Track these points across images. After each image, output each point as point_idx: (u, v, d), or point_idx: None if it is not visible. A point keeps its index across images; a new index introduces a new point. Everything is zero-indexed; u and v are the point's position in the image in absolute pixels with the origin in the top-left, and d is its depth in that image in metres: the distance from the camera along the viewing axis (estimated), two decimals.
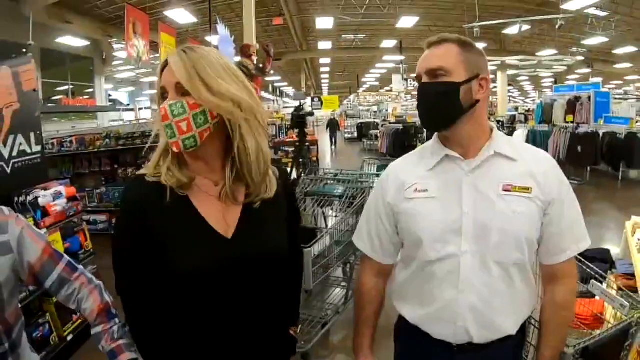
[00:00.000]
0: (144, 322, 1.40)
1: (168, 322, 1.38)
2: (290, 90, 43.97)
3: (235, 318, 1.37)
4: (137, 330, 1.43)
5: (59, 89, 20.40)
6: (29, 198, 4.00)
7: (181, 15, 16.99)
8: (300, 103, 10.13)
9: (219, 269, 1.32)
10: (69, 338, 4.13)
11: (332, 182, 5.19)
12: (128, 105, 26.57)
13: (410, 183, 1.59)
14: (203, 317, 1.36)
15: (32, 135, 4.22)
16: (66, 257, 1.57)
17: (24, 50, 16.01)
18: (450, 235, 1.52)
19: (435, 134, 1.62)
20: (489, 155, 1.51)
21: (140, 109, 22.03)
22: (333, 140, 24.05)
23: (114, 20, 18.74)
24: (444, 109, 1.49)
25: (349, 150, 23.10)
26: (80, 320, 4.30)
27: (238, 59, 8.99)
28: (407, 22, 20.32)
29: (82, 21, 17.25)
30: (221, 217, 1.36)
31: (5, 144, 3.93)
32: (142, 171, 1.43)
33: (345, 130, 29.18)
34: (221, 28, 8.43)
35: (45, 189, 4.18)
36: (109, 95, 24.60)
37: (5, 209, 1.45)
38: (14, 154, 4.03)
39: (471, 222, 1.50)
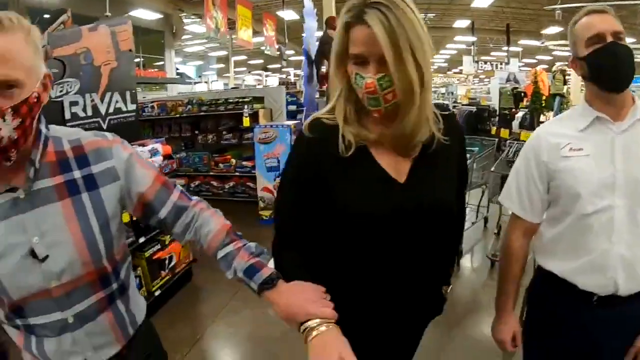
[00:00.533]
0: (296, 258, 1.40)
1: (324, 261, 1.42)
2: None
3: (397, 265, 1.37)
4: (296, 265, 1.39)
5: None
6: None
7: None
8: None
9: (390, 215, 1.33)
10: (157, 293, 4.24)
11: None
12: (199, 77, 27.15)
13: (565, 143, 1.66)
14: (364, 260, 1.37)
15: (127, 93, 4.32)
16: (178, 185, 1.45)
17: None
18: (605, 190, 1.58)
19: (582, 97, 1.73)
20: (635, 120, 1.59)
21: (213, 81, 22.40)
22: None
23: None
24: (632, 70, 1.57)
25: None
26: (168, 277, 4.44)
27: (319, 34, 9.01)
28: (482, 1, 19.20)
29: None
30: (395, 165, 1.36)
31: (102, 101, 4.03)
32: (317, 114, 1.43)
33: None
34: (307, 1, 8.42)
35: (142, 145, 4.24)
36: (177, 69, 25.04)
37: (109, 134, 1.33)
38: (110, 110, 4.14)
39: (623, 178, 1.57)
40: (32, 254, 1.13)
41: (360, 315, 1.37)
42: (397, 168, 1.36)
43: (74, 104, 3.76)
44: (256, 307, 4.18)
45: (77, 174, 1.21)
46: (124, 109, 4.28)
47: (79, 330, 1.23)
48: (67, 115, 3.69)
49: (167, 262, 4.41)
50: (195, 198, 1.44)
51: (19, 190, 1.12)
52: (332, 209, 1.35)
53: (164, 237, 4.45)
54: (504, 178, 4.75)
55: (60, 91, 3.62)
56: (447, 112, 1.46)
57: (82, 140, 1.25)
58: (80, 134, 1.27)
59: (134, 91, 4.44)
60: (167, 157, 4.49)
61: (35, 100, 1.08)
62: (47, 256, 1.14)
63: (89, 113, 3.90)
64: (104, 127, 4.03)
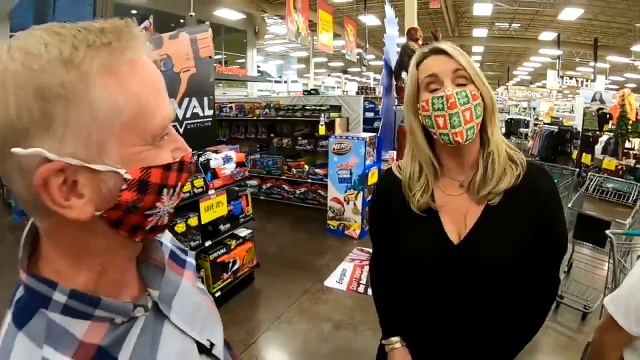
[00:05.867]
0: (386, 284, 1.65)
1: (400, 292, 1.57)
2: None
3: (453, 314, 1.42)
4: (380, 289, 1.69)
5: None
6: (201, 159, 4.18)
7: None
8: None
9: (443, 267, 1.38)
10: (217, 295, 4.35)
11: None
12: (280, 77, 27.64)
13: None
14: (425, 303, 1.48)
15: (205, 99, 4.44)
16: None
17: (181, 21, 17.20)
18: None
19: None
20: None
21: (292, 81, 22.71)
22: None
23: None
24: None
25: None
26: (229, 280, 4.55)
27: (402, 39, 8.98)
28: (569, 14, 18.51)
29: None
30: (460, 218, 1.38)
31: (180, 106, 4.16)
32: (392, 166, 1.55)
33: None
34: (389, 9, 8.41)
35: (216, 152, 4.36)
36: (258, 67, 25.60)
37: None
38: (188, 115, 4.27)
39: None
40: (201, 349, 0.86)
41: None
42: (459, 221, 1.37)
43: None
44: (310, 321, 4.26)
45: (166, 241, 0.97)
46: (201, 114, 4.40)
47: None
48: None
49: (230, 265, 4.52)
50: None
51: (153, 293, 0.80)
52: (397, 252, 1.48)
53: (230, 241, 4.57)
54: (580, 217, 4.51)
55: None
56: (535, 166, 1.42)
57: None
58: None
59: (211, 97, 4.54)
60: (239, 164, 4.59)
61: None
62: (210, 342, 0.89)
63: None
64: (181, 131, 4.16)
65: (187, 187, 3.88)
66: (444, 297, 1.42)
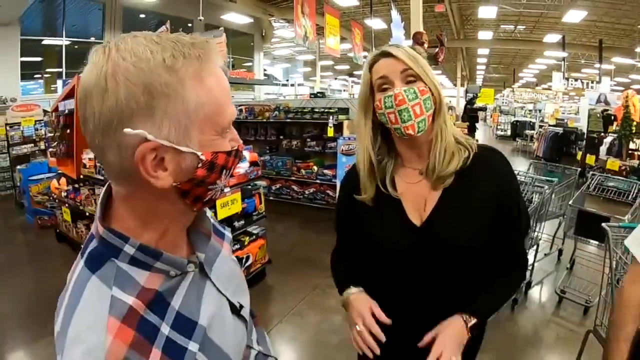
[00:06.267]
0: (344, 258, 1.79)
1: (366, 278, 1.65)
2: (443, 79, 42.78)
3: (419, 293, 1.53)
4: (339, 261, 1.82)
5: None
6: None
7: None
8: (473, 96, 9.92)
9: (408, 251, 1.49)
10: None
11: None
12: (287, 80, 27.76)
13: None
14: (390, 286, 1.58)
15: None
16: None
17: (190, 25, 17.34)
18: None
19: None
20: None
21: (300, 84, 22.78)
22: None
23: (275, 0, 19.61)
24: None
25: (500, 149, 21.41)
26: (259, 266, 4.82)
27: (407, 43, 9.12)
28: (574, 16, 18.48)
29: (245, 0, 18.29)
30: (421, 203, 1.51)
31: None
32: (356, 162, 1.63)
33: (498, 127, 27.07)
34: (395, 13, 8.55)
35: None
36: (264, 70, 25.73)
37: None
38: None
39: None
40: (234, 310, 1.03)
41: (391, 339, 1.48)
42: (420, 206, 1.50)
43: None
44: (320, 314, 4.43)
45: (208, 212, 1.12)
46: None
47: (263, 351, 1.23)
48: None
49: (243, 261, 4.69)
50: None
51: (199, 255, 0.98)
52: (364, 241, 1.60)
53: (243, 237, 4.77)
54: (581, 213, 4.63)
55: None
56: (486, 148, 1.56)
57: None
58: None
59: None
60: (253, 163, 4.77)
61: None
62: (240, 304, 1.07)
63: None
64: None
65: None
66: (410, 280, 1.52)
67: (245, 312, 1.08)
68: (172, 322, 0.83)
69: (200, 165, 0.81)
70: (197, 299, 0.91)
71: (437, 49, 7.46)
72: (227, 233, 1.20)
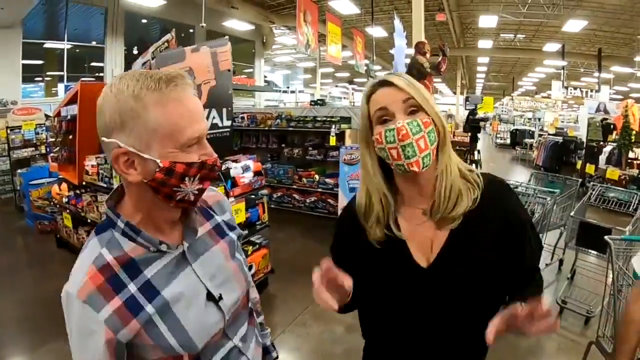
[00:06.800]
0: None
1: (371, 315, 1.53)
2: (443, 87, 42.88)
3: (426, 338, 1.40)
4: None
5: None
6: (222, 168, 4.36)
7: (345, 6, 17.12)
8: (475, 106, 9.95)
9: (414, 295, 1.36)
10: None
11: None
12: (288, 87, 27.85)
13: None
14: (396, 329, 1.44)
15: (224, 110, 4.62)
16: None
17: (191, 31, 17.38)
18: None
19: None
20: None
21: (300, 91, 22.82)
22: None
23: (276, 7, 19.71)
24: None
25: (499, 158, 21.26)
26: (262, 275, 4.81)
27: (409, 51, 9.15)
28: (574, 25, 18.46)
29: (246, 7, 18.37)
30: (427, 244, 1.37)
31: None
32: (349, 203, 1.55)
33: (498, 135, 27.18)
34: (397, 22, 8.59)
35: (235, 161, 4.55)
36: (265, 77, 25.80)
37: (215, 189, 1.54)
38: (208, 126, 4.41)
39: None
40: (209, 297, 1.24)
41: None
42: (427, 247, 1.36)
43: None
44: (324, 324, 4.41)
45: (219, 218, 1.40)
46: (220, 124, 4.59)
47: (248, 351, 1.38)
48: None
49: None
50: None
51: (183, 244, 1.23)
52: (367, 287, 1.41)
53: (247, 247, 4.77)
54: (582, 225, 4.65)
55: None
56: (491, 180, 1.41)
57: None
58: None
59: (230, 108, 4.72)
60: (257, 173, 4.79)
61: None
62: (220, 295, 1.26)
63: None
64: None
65: None
66: (418, 323, 1.39)
67: (224, 304, 1.27)
68: (140, 285, 1.12)
69: (158, 170, 1.07)
70: (170, 276, 1.18)
71: (439, 59, 7.48)
72: (232, 235, 1.42)
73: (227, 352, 1.31)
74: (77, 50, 15.36)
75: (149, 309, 1.11)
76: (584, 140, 12.54)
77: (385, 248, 1.39)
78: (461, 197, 1.33)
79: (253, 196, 4.76)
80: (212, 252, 1.31)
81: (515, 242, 1.36)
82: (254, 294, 1.64)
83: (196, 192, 1.14)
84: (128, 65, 15.34)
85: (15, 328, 4.33)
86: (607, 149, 11.44)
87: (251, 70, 23.35)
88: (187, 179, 1.09)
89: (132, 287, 1.11)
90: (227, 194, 4.27)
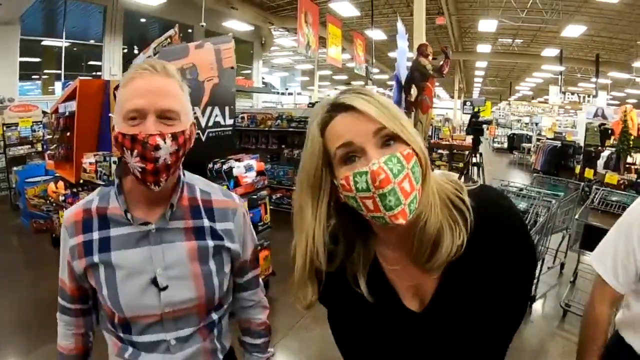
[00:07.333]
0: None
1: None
2: (440, 91, 42.85)
3: None
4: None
5: None
6: (224, 167, 4.31)
7: (345, 8, 17.19)
8: (478, 109, 9.92)
9: (407, 344, 1.15)
10: None
11: (510, 194, 5.22)
12: (287, 89, 27.86)
13: None
14: None
15: (226, 108, 4.56)
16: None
17: (190, 31, 17.36)
18: None
19: None
20: None
21: (298, 93, 22.85)
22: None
23: (275, 9, 19.72)
24: None
25: (496, 162, 21.03)
26: (263, 277, 4.58)
27: (410, 54, 9.13)
28: (572, 30, 18.62)
29: (245, 8, 18.39)
30: (414, 288, 1.12)
31: (203, 114, 4.28)
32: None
33: (495, 140, 27.18)
34: (400, 24, 8.57)
35: (238, 160, 4.48)
36: (262, 78, 25.80)
37: (235, 196, 1.53)
38: (210, 124, 4.39)
39: None
40: (154, 282, 1.30)
41: None
42: (415, 289, 1.13)
43: None
44: (326, 328, 4.27)
45: (206, 222, 1.40)
46: (223, 122, 4.52)
47: (179, 353, 1.37)
48: None
49: None
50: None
51: (150, 225, 1.31)
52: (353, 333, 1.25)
53: None
54: (587, 227, 4.66)
55: None
56: (487, 208, 1.07)
57: (212, 196, 1.45)
58: (212, 189, 1.48)
59: (232, 107, 4.67)
60: (260, 173, 4.72)
61: (188, 137, 1.28)
62: (166, 286, 1.30)
63: None
64: (203, 139, 4.29)
65: None
66: None
67: (167, 296, 1.31)
68: (101, 237, 1.31)
69: (115, 137, 1.21)
70: (127, 244, 1.31)
71: (441, 62, 7.47)
72: (211, 242, 1.39)
73: (156, 340, 1.35)
74: (75, 49, 15.33)
75: (95, 258, 1.30)
76: (582, 144, 12.59)
77: (375, 303, 1.14)
78: (441, 242, 1.01)
79: (255, 196, 4.70)
80: (177, 246, 1.34)
81: (509, 285, 1.09)
82: (259, 315, 1.65)
83: (139, 169, 1.19)
84: (126, 64, 15.30)
85: (9, 330, 4.24)
86: (605, 153, 11.49)
87: (249, 71, 23.34)
88: (125, 150, 1.18)
89: (95, 235, 1.32)
90: None
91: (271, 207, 8.41)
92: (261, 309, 1.66)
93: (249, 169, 4.49)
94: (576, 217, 4.99)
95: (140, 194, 1.31)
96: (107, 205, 1.33)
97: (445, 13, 18.32)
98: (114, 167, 4.78)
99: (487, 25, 18.88)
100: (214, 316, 1.45)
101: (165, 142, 1.18)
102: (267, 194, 7.88)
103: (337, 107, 0.99)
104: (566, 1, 16.51)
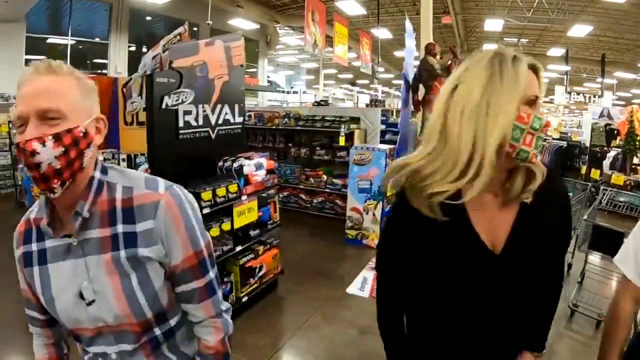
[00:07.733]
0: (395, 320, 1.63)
1: (417, 314, 1.52)
2: None
3: (486, 323, 1.37)
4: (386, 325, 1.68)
5: None
6: (235, 165, 4.31)
7: (351, 7, 17.09)
8: None
9: (482, 287, 1.32)
10: (244, 300, 4.45)
11: None
12: (292, 87, 27.84)
13: None
14: (453, 321, 1.40)
15: (236, 106, 4.57)
16: (212, 273, 1.39)
17: (195, 29, 17.35)
18: None
19: None
20: None
21: (304, 92, 22.84)
22: None
23: (281, 7, 19.69)
24: None
25: None
26: (255, 285, 4.63)
27: (417, 53, 9.12)
28: (578, 30, 18.32)
29: (251, 6, 18.36)
30: (496, 229, 1.31)
31: (213, 112, 4.29)
32: (408, 159, 1.34)
33: None
34: (408, 23, 8.58)
35: (248, 158, 4.48)
36: (267, 77, 25.79)
37: (162, 185, 1.30)
38: (220, 121, 4.40)
39: None
40: (81, 296, 1.22)
41: None
42: (495, 230, 1.30)
43: (187, 112, 4.00)
44: (336, 326, 4.33)
45: (120, 228, 1.23)
46: (232, 120, 4.53)
47: None
48: (180, 123, 3.94)
49: (257, 270, 4.60)
50: (224, 305, 1.44)
51: (72, 237, 1.21)
52: (423, 273, 1.38)
53: (258, 247, 4.69)
54: (595, 228, 4.64)
55: (176, 100, 3.86)
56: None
57: (133, 191, 1.26)
58: (135, 182, 1.29)
59: (242, 104, 4.68)
60: (270, 171, 4.73)
61: (82, 134, 1.13)
62: (93, 301, 1.22)
63: (200, 122, 4.16)
64: (213, 136, 4.30)
65: (222, 192, 4.01)
66: (477, 314, 1.35)
67: (94, 311, 1.23)
68: (39, 249, 1.27)
69: None
70: (60, 256, 1.24)
71: (449, 61, 7.45)
72: (123, 253, 1.23)
73: (102, 352, 1.32)
74: (81, 47, 15.30)
75: (35, 269, 1.28)
76: (587, 145, 12.54)
77: (446, 227, 1.28)
78: (536, 177, 1.26)
79: (265, 195, 4.69)
80: (94, 259, 1.22)
81: (563, 231, 1.41)
82: (207, 336, 1.39)
83: (32, 178, 1.12)
84: (132, 62, 15.29)
85: (12, 327, 4.23)
86: (611, 154, 11.46)
87: (255, 69, 23.32)
88: (19, 159, 1.25)
89: (34, 247, 1.29)
90: (240, 192, 4.21)
91: (278, 206, 8.49)
92: (211, 329, 1.40)
93: (259, 167, 4.49)
94: (584, 217, 4.98)
95: (57, 204, 1.22)
96: (42, 216, 1.24)
97: (451, 12, 18.21)
98: (122, 164, 4.79)
99: (493, 24, 18.74)
100: (157, 331, 1.34)
101: (44, 146, 1.06)
102: (275, 192, 7.96)
103: (534, 68, 1.27)
104: (572, 1, 16.39)
